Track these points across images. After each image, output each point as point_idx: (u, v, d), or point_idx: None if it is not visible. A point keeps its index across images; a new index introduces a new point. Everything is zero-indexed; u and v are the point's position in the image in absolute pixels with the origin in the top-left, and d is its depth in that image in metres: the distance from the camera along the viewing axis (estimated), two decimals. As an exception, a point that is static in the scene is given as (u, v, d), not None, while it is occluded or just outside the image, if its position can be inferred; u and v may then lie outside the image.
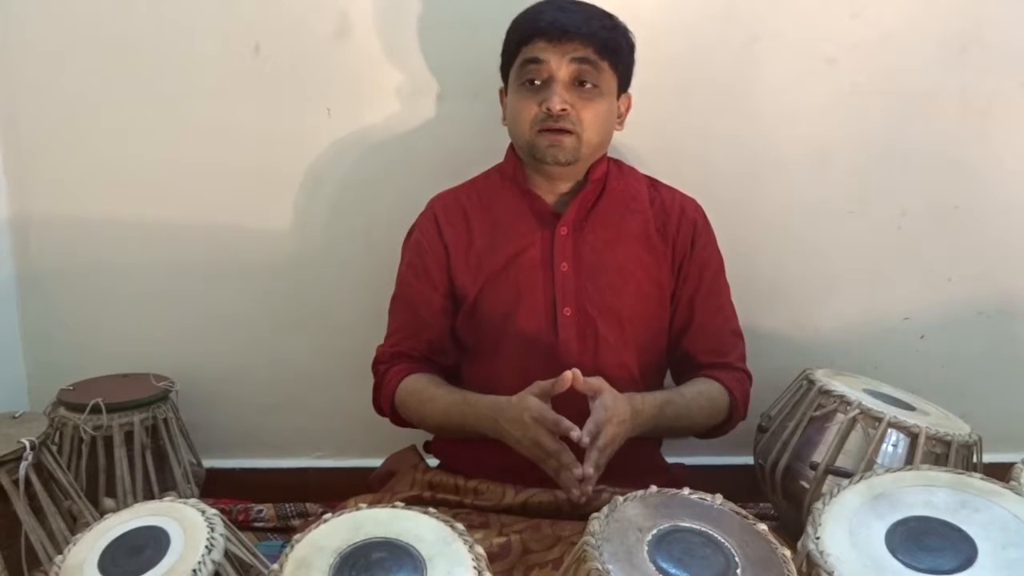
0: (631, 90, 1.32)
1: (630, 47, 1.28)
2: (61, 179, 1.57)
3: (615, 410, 1.12)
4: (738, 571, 0.79)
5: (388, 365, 1.33)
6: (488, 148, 1.38)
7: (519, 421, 1.13)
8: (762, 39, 1.50)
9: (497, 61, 1.32)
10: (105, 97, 1.53)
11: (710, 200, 1.37)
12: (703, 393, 1.28)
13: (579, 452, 1.10)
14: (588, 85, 1.22)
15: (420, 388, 1.29)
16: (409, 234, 1.38)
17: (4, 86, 1.53)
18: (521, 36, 1.24)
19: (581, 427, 1.10)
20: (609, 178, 1.30)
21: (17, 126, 1.56)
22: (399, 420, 1.34)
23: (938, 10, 1.48)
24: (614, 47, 1.24)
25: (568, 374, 1.11)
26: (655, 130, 1.29)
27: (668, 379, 1.40)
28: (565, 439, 1.10)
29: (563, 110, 1.21)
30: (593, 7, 1.26)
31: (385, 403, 1.33)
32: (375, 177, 1.56)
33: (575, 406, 1.17)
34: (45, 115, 1.54)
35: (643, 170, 1.38)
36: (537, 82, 1.23)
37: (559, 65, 1.21)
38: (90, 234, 1.59)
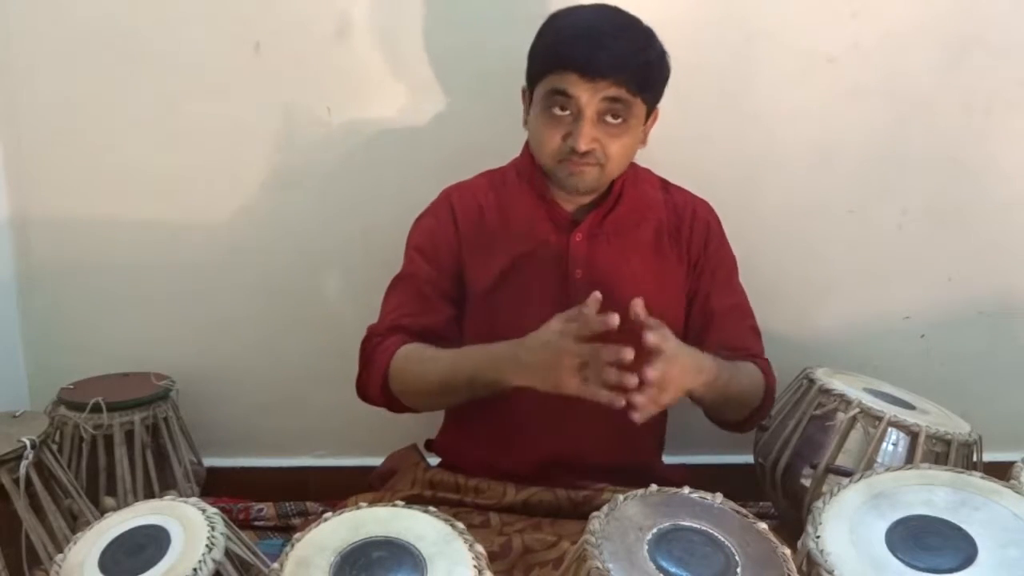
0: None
1: (665, 76, 1.20)
2: (61, 179, 1.57)
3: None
4: (738, 570, 0.79)
5: (382, 338, 1.25)
6: (490, 146, 1.38)
7: (542, 341, 1.04)
8: (761, 38, 1.49)
9: (498, 59, 1.32)
10: (105, 97, 1.53)
11: (710, 199, 1.36)
12: (746, 368, 1.25)
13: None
14: (618, 120, 1.16)
15: (420, 351, 1.21)
16: (419, 219, 1.34)
17: (4, 86, 1.53)
18: (551, 61, 1.16)
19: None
20: (626, 185, 1.28)
21: (17, 126, 1.56)
22: (388, 396, 1.23)
23: (939, 10, 1.48)
24: (647, 84, 1.17)
25: (593, 297, 1.01)
26: (654, 129, 1.28)
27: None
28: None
29: (590, 149, 1.16)
30: (632, 29, 1.16)
31: (377, 375, 1.22)
32: (375, 176, 1.56)
33: (593, 407, 1.17)
34: (45, 115, 1.54)
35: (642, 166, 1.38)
36: (564, 112, 1.16)
37: (589, 102, 1.14)
38: (90, 234, 1.59)
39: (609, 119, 1.16)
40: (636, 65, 1.15)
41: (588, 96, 1.14)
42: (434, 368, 1.19)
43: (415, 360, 1.21)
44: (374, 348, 1.25)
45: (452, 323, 1.29)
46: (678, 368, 1.04)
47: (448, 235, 1.29)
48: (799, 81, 1.51)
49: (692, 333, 1.31)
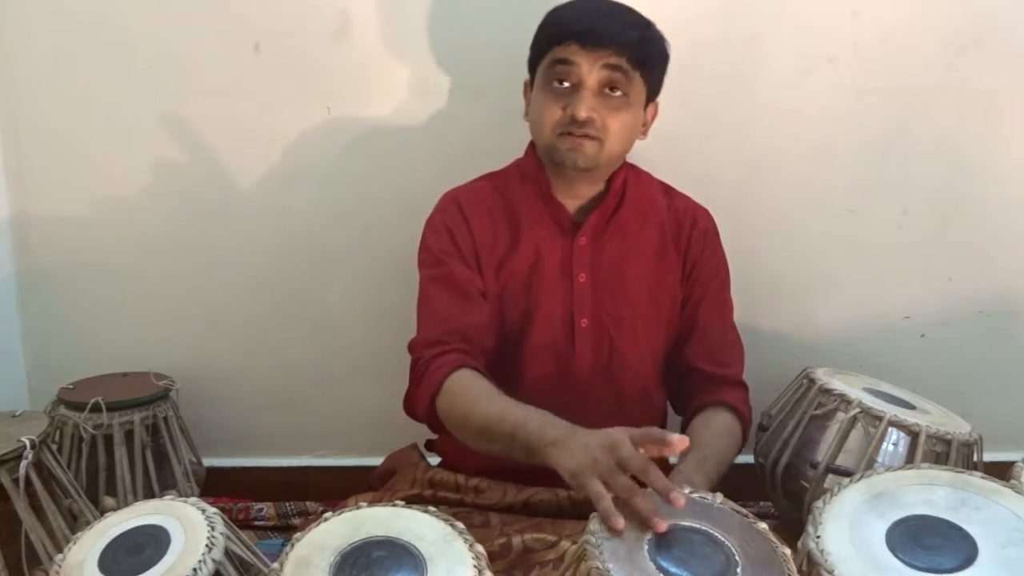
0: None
1: (664, 58, 1.23)
2: (61, 179, 1.57)
3: None
4: (738, 570, 0.79)
5: (437, 352, 1.18)
6: (489, 146, 1.38)
7: (588, 443, 0.93)
8: (763, 37, 1.49)
9: (498, 59, 1.32)
10: (105, 97, 1.53)
11: (710, 198, 1.37)
12: (722, 432, 1.23)
13: None
14: (617, 93, 1.18)
15: (476, 380, 1.15)
16: (431, 226, 1.30)
17: (4, 86, 1.53)
18: (553, 35, 1.19)
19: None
20: (628, 187, 1.28)
21: (17, 126, 1.56)
22: (433, 417, 1.18)
23: (939, 8, 1.48)
24: (647, 59, 1.19)
25: (676, 438, 0.89)
26: (655, 128, 1.28)
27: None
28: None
29: (589, 118, 1.17)
30: (631, 13, 1.20)
31: (426, 393, 1.16)
32: (375, 176, 1.56)
33: (597, 408, 1.18)
34: (45, 115, 1.54)
35: (643, 168, 1.38)
36: (565, 84, 1.18)
37: (590, 70, 1.16)
38: (90, 234, 1.59)
39: (609, 91, 1.18)
40: (636, 37, 1.18)
41: (589, 64, 1.16)
42: (483, 407, 1.11)
43: (469, 388, 1.14)
44: (428, 363, 1.19)
45: (493, 320, 1.25)
46: None
47: (465, 237, 1.27)
48: (799, 81, 1.51)
49: (675, 340, 1.31)
